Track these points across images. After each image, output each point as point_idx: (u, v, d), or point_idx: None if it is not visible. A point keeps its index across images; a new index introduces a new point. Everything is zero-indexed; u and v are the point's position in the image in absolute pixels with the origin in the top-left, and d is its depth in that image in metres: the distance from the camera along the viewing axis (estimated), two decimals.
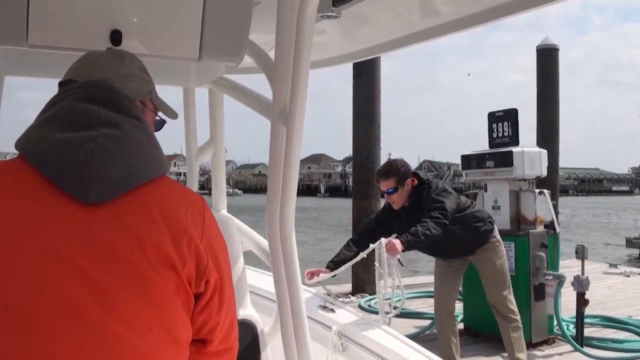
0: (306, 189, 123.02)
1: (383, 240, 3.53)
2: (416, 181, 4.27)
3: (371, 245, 3.54)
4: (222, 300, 1.17)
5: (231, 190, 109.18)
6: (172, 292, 1.06)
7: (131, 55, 1.32)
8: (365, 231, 4.43)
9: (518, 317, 4.62)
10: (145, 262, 1.03)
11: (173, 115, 1.41)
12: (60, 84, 1.24)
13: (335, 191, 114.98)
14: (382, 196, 4.58)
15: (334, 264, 3.92)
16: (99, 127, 1.06)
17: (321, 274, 3.75)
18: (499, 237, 4.61)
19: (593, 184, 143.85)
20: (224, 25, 1.82)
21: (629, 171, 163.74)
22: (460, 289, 6.30)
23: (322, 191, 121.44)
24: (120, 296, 1.00)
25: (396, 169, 4.25)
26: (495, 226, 4.62)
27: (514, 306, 4.61)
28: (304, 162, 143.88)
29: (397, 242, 3.68)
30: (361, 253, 3.59)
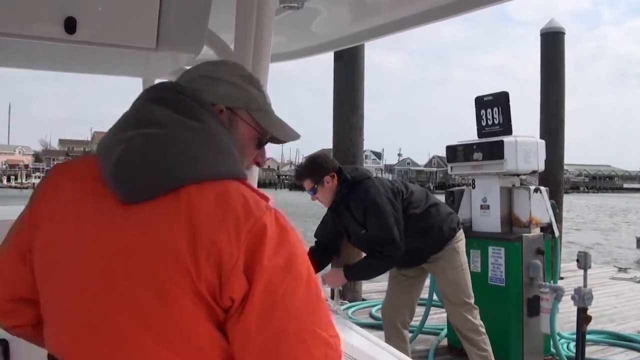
0: None
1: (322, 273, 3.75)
2: (336, 178, 3.65)
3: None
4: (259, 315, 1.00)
5: None
6: (191, 303, 0.96)
7: (235, 63, 1.27)
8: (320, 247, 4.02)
9: (482, 337, 3.95)
10: (163, 271, 0.95)
11: (286, 136, 1.24)
12: None
13: None
14: None
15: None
16: (146, 127, 1.02)
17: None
18: (457, 244, 3.90)
19: (604, 181, 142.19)
20: (182, 15, 1.78)
21: None
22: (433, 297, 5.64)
23: None
24: (145, 304, 0.96)
25: (307, 169, 3.70)
26: (457, 231, 3.92)
27: (477, 322, 3.93)
28: None
29: (339, 277, 3.71)
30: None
